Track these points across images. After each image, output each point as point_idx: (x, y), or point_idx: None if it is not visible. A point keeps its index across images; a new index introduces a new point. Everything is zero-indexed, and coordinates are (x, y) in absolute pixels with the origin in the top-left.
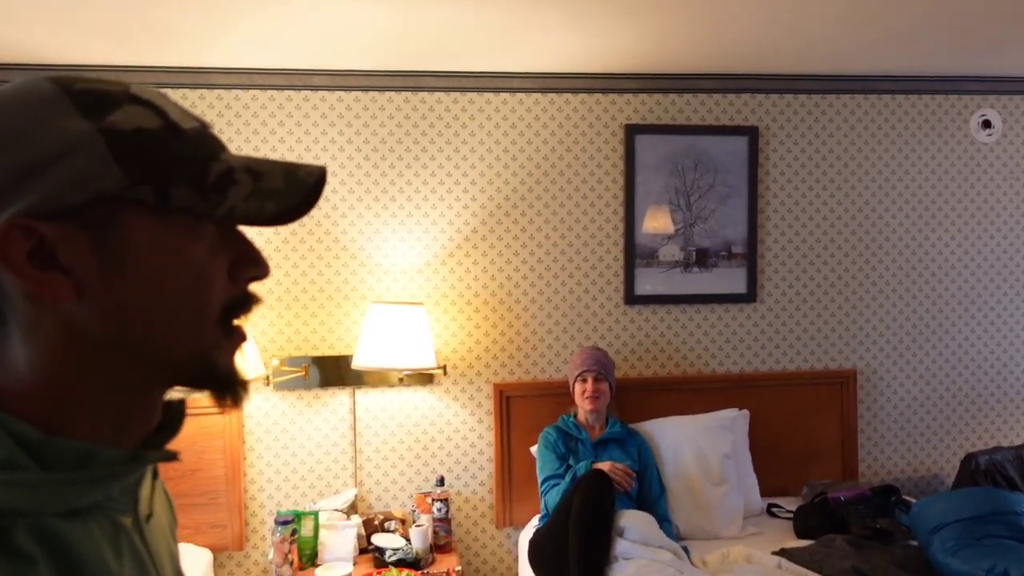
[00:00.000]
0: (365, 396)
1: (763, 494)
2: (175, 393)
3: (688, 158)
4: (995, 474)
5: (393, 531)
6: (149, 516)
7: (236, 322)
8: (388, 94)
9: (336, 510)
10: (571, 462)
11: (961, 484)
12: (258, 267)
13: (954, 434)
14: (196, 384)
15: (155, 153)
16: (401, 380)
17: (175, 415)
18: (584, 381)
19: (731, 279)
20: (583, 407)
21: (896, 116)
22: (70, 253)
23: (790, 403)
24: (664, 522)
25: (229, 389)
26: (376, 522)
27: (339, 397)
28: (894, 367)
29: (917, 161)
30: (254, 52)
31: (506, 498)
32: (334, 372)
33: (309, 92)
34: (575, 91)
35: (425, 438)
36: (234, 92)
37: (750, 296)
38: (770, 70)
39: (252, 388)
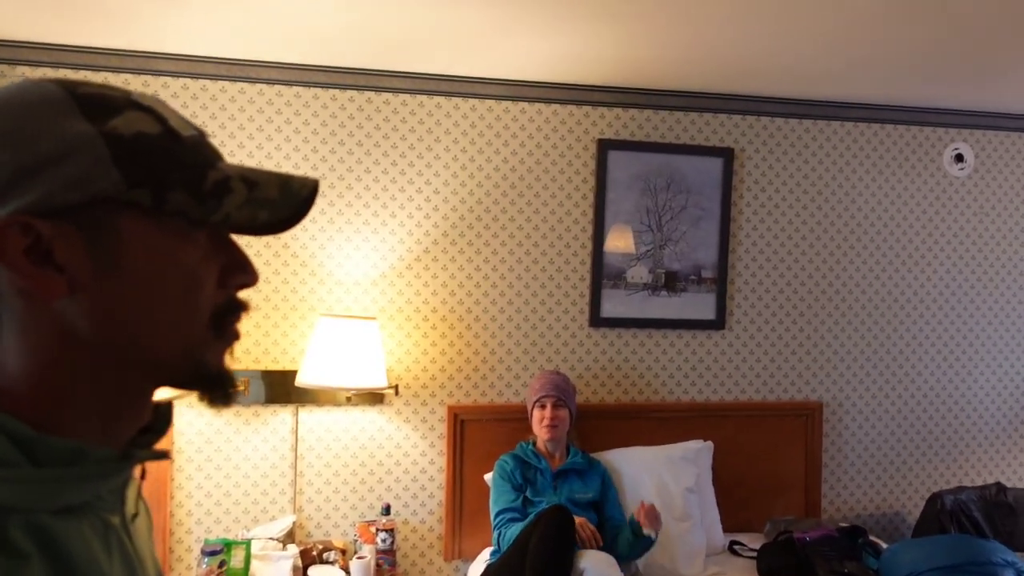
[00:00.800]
0: (309, 415)
1: (725, 530)
2: (162, 395)
3: (661, 177)
4: (960, 515)
5: (332, 563)
6: (135, 516)
7: (232, 324)
8: (349, 93)
9: (271, 539)
10: (528, 494)
11: (926, 524)
12: (247, 274)
13: (916, 471)
14: (186, 384)
15: (154, 158)
16: (349, 399)
17: (162, 416)
18: (543, 407)
19: (700, 305)
20: (541, 435)
21: (871, 145)
22: (65, 251)
23: (754, 434)
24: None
25: (218, 389)
26: (314, 552)
27: (281, 415)
28: (860, 400)
29: (890, 192)
30: (205, 40)
31: (456, 529)
32: (277, 388)
33: (264, 86)
34: (547, 101)
35: (372, 462)
36: (182, 81)
37: (719, 323)
38: (747, 91)
39: (186, 402)
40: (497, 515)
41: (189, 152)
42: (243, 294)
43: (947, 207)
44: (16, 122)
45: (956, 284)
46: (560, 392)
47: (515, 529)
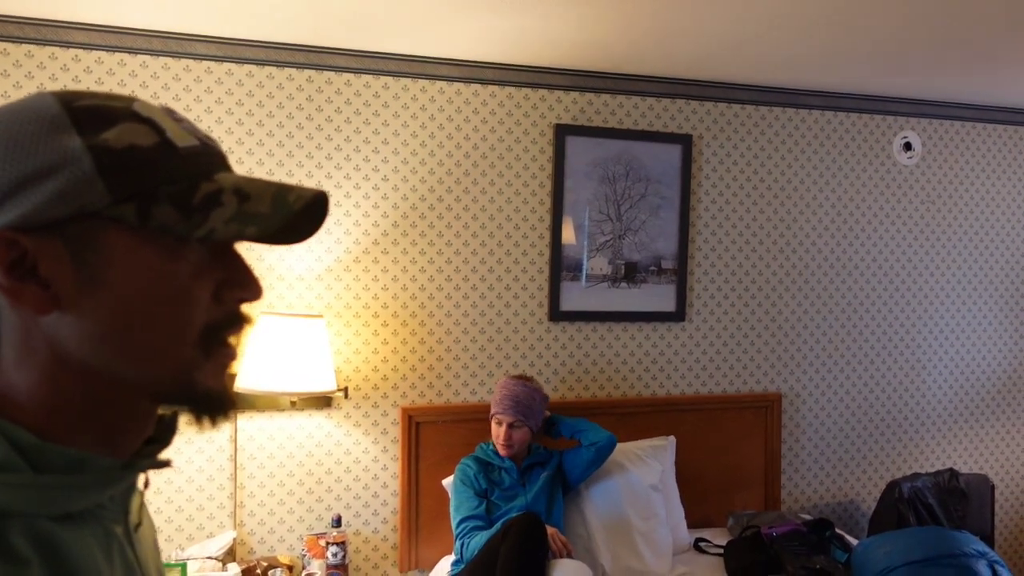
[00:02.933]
0: (249, 422)
1: (688, 525)
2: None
3: (620, 164)
4: (916, 502)
5: None
6: (138, 526)
7: (225, 341)
8: (288, 71)
9: (209, 558)
10: (494, 498)
11: (884, 512)
12: (246, 290)
13: (870, 459)
14: (176, 402)
15: (143, 171)
16: (294, 404)
17: (167, 427)
18: (499, 424)
19: (660, 296)
20: (498, 449)
21: (825, 133)
22: (50, 266)
23: (714, 428)
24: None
25: (206, 408)
26: (258, 571)
27: None
28: (816, 390)
29: (844, 180)
30: (123, 8)
31: (412, 537)
32: None
33: (191, 62)
34: (502, 83)
35: (320, 470)
36: (96, 54)
37: (679, 315)
38: (706, 76)
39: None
40: (460, 523)
41: (184, 163)
42: (246, 308)
43: (896, 195)
44: (8, 138)
45: (905, 272)
46: (520, 411)
47: (480, 538)
